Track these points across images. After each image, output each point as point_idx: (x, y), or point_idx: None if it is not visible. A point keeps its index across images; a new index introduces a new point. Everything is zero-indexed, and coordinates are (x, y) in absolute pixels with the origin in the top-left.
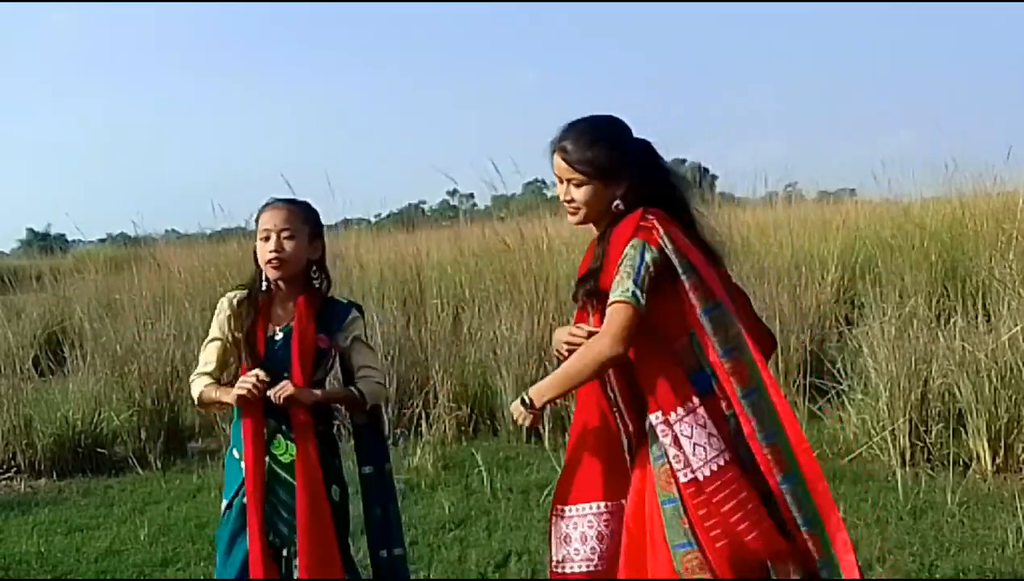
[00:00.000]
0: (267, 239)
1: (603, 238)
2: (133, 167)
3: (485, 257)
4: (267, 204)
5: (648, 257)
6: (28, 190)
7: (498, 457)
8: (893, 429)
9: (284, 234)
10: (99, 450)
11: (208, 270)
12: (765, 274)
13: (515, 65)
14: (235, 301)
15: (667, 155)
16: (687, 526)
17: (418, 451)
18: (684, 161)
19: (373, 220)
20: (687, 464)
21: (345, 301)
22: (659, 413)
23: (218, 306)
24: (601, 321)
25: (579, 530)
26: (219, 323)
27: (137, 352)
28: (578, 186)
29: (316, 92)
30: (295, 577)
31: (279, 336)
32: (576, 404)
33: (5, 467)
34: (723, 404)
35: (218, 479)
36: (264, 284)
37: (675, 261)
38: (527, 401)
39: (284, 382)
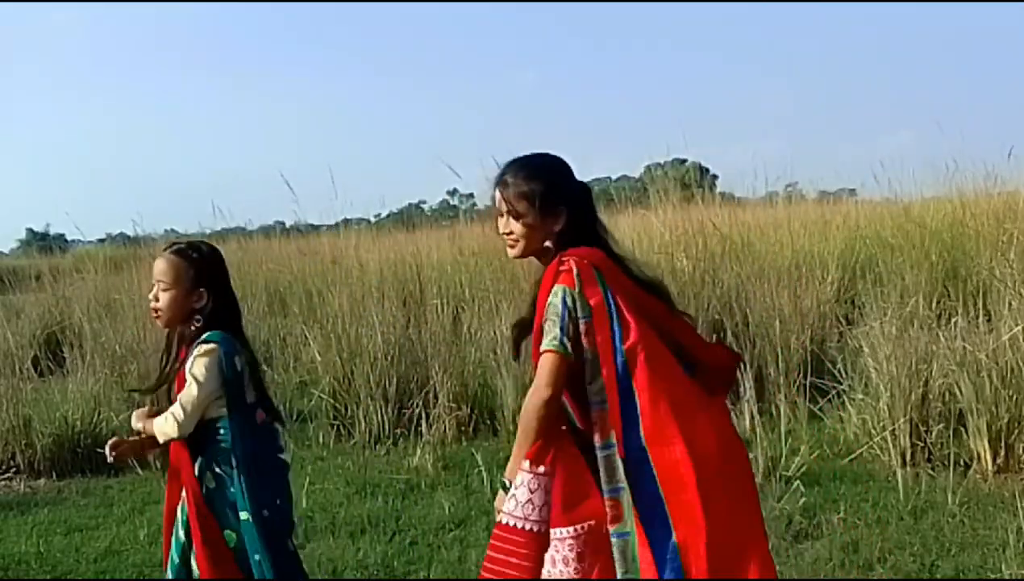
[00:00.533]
0: (152, 290)
1: (537, 281)
2: (133, 167)
3: (485, 257)
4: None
5: (568, 301)
6: (28, 190)
7: (498, 457)
8: (894, 429)
9: (161, 286)
10: (98, 450)
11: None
12: (765, 274)
13: (515, 65)
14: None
15: (668, 155)
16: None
17: (418, 451)
18: (684, 161)
19: (373, 220)
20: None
21: (209, 335)
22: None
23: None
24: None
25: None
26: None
27: (136, 352)
28: (516, 218)
29: (316, 92)
30: None
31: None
32: None
33: (4, 467)
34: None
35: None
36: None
37: (577, 304)
38: (506, 484)
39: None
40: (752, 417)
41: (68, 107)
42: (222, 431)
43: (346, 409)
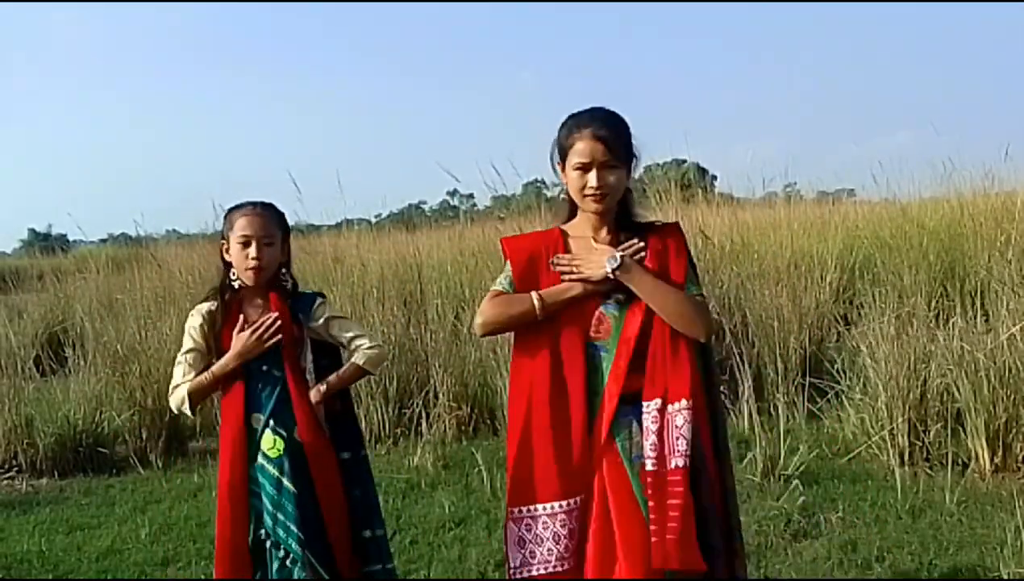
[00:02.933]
0: (246, 245)
1: (633, 231)
2: (134, 167)
3: (485, 257)
4: (241, 207)
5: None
6: (30, 190)
7: (498, 456)
8: (892, 429)
9: (264, 242)
10: (100, 449)
11: (209, 270)
12: (764, 274)
13: (513, 65)
14: (205, 311)
15: (667, 155)
16: None
17: (418, 450)
18: (683, 161)
19: (373, 220)
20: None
21: (309, 292)
22: (684, 400)
23: (189, 319)
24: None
25: (535, 531)
26: (192, 334)
27: (138, 352)
28: (611, 169)
29: (317, 93)
30: (278, 570)
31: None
32: (513, 401)
33: (6, 466)
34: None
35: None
36: (236, 284)
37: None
38: (624, 262)
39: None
40: (751, 416)
41: (69, 108)
42: None
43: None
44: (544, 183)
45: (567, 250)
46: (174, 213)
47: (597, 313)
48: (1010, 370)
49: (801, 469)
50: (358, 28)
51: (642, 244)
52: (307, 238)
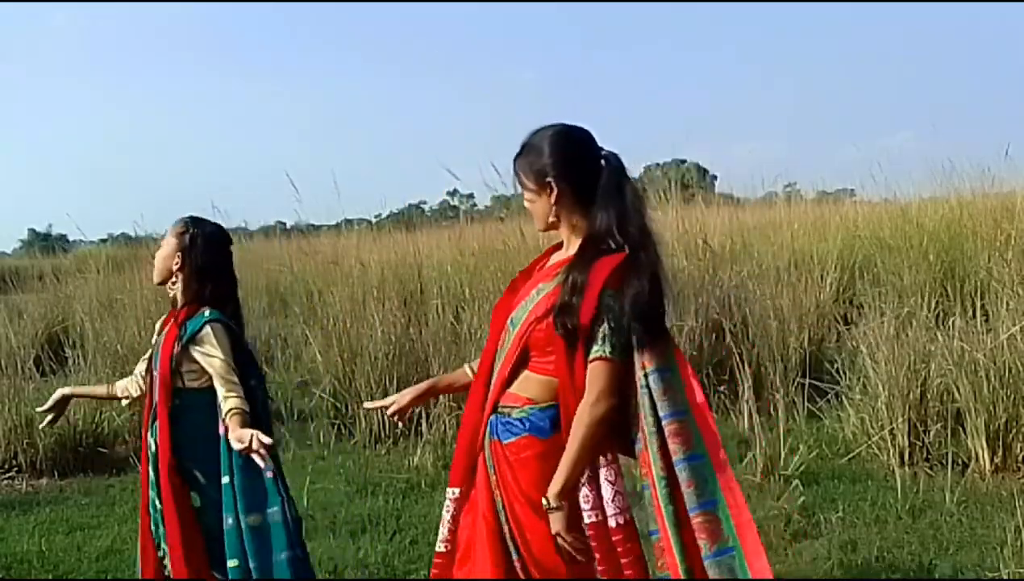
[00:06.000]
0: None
1: (580, 257)
2: (134, 167)
3: (485, 257)
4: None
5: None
6: (30, 190)
7: None
8: (892, 429)
9: (163, 254)
10: (100, 450)
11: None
12: (764, 274)
13: (514, 65)
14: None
15: (668, 155)
16: None
17: (418, 451)
18: (684, 161)
19: (373, 220)
20: (598, 507)
21: (208, 315)
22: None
23: None
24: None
25: (443, 513)
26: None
27: (138, 351)
28: (526, 196)
29: (316, 92)
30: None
31: (155, 339)
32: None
33: (7, 466)
34: (643, 470)
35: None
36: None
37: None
38: (555, 504)
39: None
40: (751, 416)
41: (70, 108)
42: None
43: (347, 408)
44: None
45: (545, 258)
46: (174, 213)
47: (503, 325)
48: (1010, 370)
49: (801, 469)
50: (359, 28)
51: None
52: (307, 238)
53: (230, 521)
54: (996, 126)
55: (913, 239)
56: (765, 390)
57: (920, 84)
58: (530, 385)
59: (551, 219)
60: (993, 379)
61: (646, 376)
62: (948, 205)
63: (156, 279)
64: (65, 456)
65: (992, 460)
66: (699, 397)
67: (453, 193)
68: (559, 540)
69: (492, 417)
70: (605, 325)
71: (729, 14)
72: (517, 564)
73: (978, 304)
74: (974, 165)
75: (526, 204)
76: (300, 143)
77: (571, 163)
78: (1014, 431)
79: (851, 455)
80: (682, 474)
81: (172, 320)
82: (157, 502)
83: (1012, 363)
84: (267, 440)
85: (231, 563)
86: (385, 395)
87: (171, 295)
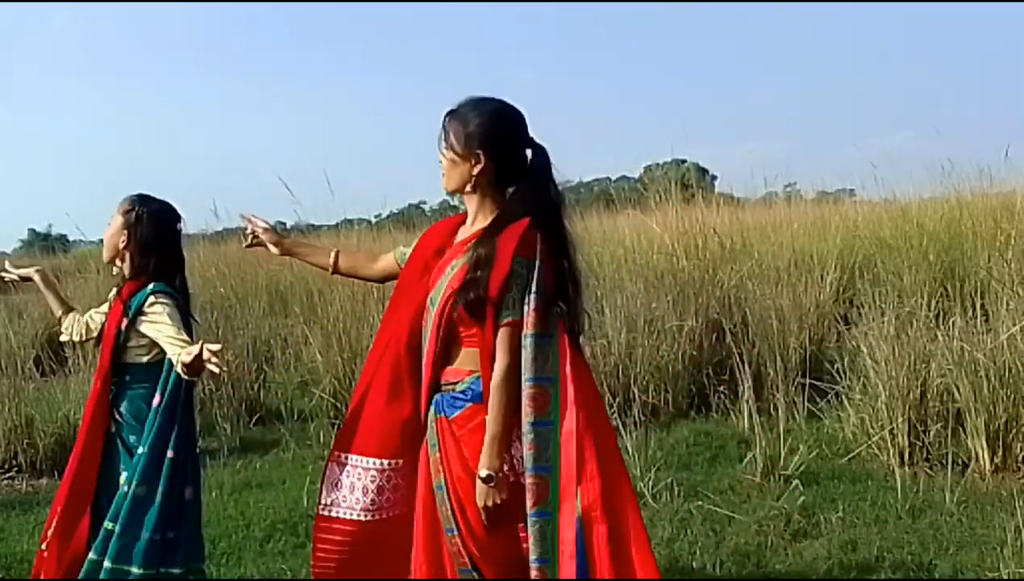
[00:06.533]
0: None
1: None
2: (133, 167)
3: None
4: None
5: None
6: (30, 190)
7: None
8: (892, 429)
9: (113, 229)
10: None
11: (208, 270)
12: (764, 274)
13: (514, 65)
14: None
15: (668, 155)
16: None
17: None
18: (684, 161)
19: (373, 220)
20: (512, 468)
21: (152, 286)
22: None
23: None
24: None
25: (350, 480)
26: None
27: None
28: (444, 153)
29: (316, 92)
30: None
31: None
32: (367, 362)
33: (6, 466)
34: None
35: (217, 478)
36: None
37: (536, 281)
38: (491, 476)
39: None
40: (751, 416)
41: (69, 108)
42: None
43: (347, 408)
44: None
45: (453, 233)
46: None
47: (426, 303)
48: (1010, 370)
49: (801, 469)
50: (359, 28)
51: None
52: (306, 238)
53: (125, 488)
54: (996, 126)
55: (913, 239)
56: (765, 390)
57: (920, 84)
58: (466, 358)
59: (467, 188)
60: (993, 379)
61: (524, 337)
62: (948, 205)
63: (105, 257)
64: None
65: (992, 460)
66: (568, 368)
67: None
68: (488, 508)
69: (437, 396)
70: (514, 291)
71: (729, 13)
72: (457, 540)
73: (978, 304)
74: (974, 165)
75: (442, 162)
76: (300, 143)
77: (502, 142)
78: (1014, 431)
79: (851, 455)
80: (527, 437)
81: (117, 297)
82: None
83: (1012, 363)
84: (215, 347)
85: (108, 524)
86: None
87: (115, 273)
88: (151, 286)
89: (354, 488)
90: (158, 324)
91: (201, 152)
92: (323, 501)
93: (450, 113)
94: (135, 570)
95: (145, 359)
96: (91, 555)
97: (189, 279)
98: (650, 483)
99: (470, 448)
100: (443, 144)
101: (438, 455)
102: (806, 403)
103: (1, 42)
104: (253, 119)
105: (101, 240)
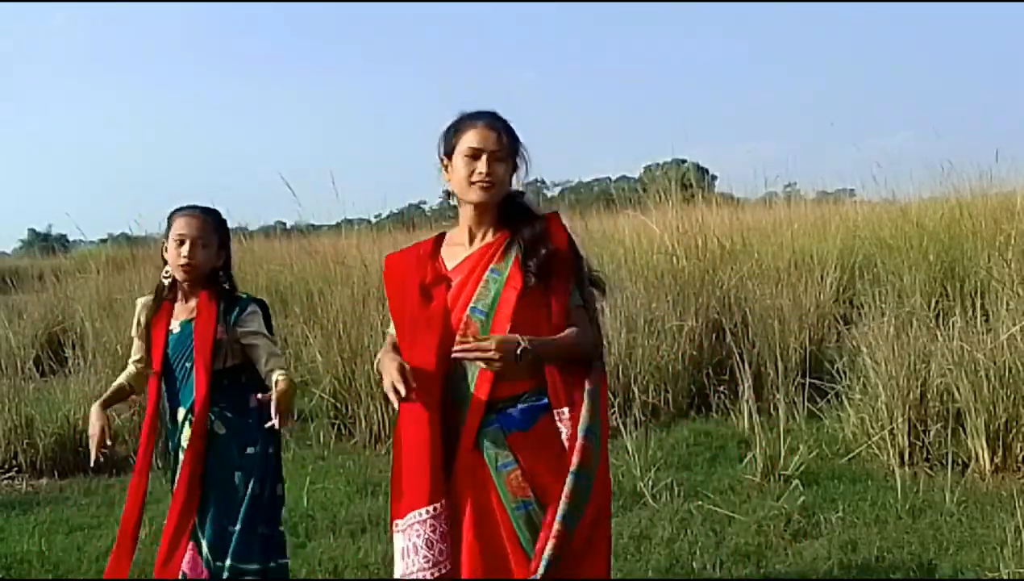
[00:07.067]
0: (181, 244)
1: (515, 227)
2: (133, 167)
3: None
4: (183, 210)
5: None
6: (30, 190)
7: None
8: (892, 429)
9: (199, 242)
10: (101, 450)
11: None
12: (764, 274)
13: (516, 65)
14: (142, 304)
15: (668, 155)
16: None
17: None
18: (684, 161)
19: (373, 220)
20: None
21: (245, 296)
22: (566, 409)
23: (136, 306)
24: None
25: (412, 541)
26: (136, 322)
27: None
28: (501, 161)
29: (316, 92)
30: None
31: (176, 330)
32: (400, 415)
33: (7, 466)
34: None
35: None
36: (168, 282)
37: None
38: (527, 351)
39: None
40: (751, 416)
41: (69, 108)
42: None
43: (347, 408)
44: (544, 182)
45: (432, 259)
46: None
47: (464, 317)
48: (1010, 370)
49: (801, 469)
50: (359, 29)
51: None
52: (307, 238)
53: (242, 488)
54: (996, 127)
55: (913, 239)
56: (765, 390)
57: (920, 85)
58: (520, 370)
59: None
60: (993, 379)
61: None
62: (948, 205)
63: (196, 274)
64: (65, 456)
65: (992, 460)
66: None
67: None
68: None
69: (497, 415)
70: (574, 279)
71: (729, 14)
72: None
73: (978, 304)
74: (974, 165)
75: (498, 165)
76: (300, 143)
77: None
78: (1014, 431)
79: (851, 455)
80: (567, 485)
81: (200, 306)
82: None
83: (1012, 363)
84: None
85: (229, 527)
86: (385, 396)
87: (182, 282)
88: (245, 296)
89: (419, 548)
90: (257, 335)
91: (201, 152)
92: (398, 572)
93: (495, 117)
94: (253, 566)
95: (234, 363)
96: (209, 557)
97: None
98: (650, 483)
99: (550, 456)
100: (506, 148)
101: (519, 472)
102: (806, 403)
103: (2, 41)
104: (253, 120)
105: (102, 240)
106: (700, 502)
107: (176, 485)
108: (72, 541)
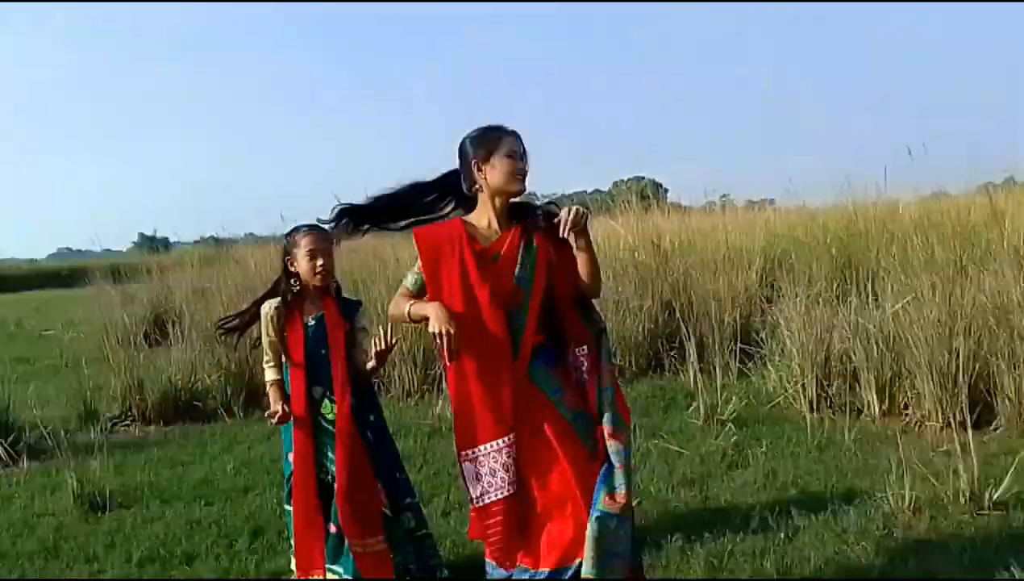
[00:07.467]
0: (313, 257)
1: (519, 217)
2: (221, 180)
3: None
4: (302, 229)
5: None
6: (140, 203)
7: None
8: (803, 383)
9: (327, 254)
10: (195, 403)
11: (277, 265)
12: (705, 265)
13: (508, 99)
14: (273, 309)
15: (630, 173)
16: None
17: (439, 403)
18: (642, 178)
19: (404, 224)
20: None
21: (352, 299)
22: (584, 347)
23: (263, 313)
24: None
25: (488, 466)
26: (265, 325)
27: None
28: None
29: (352, 122)
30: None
31: (312, 322)
32: (450, 368)
33: (123, 417)
34: None
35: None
36: (297, 287)
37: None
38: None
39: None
40: (695, 375)
41: (177, 141)
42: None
43: (385, 370)
44: (535, 194)
45: (470, 239)
46: (249, 220)
47: (512, 287)
48: (894, 338)
49: (734, 415)
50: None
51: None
52: (354, 239)
53: (390, 445)
54: (883, 149)
55: (819, 237)
56: (706, 354)
57: (824, 116)
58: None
59: None
60: (881, 345)
61: (605, 390)
62: (846, 211)
63: (327, 280)
64: (168, 408)
65: (880, 407)
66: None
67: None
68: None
69: (540, 355)
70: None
71: (679, 63)
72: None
73: (869, 287)
74: (866, 180)
75: (526, 169)
76: (343, 167)
77: None
78: (897, 384)
79: (772, 404)
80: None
81: (326, 306)
82: (333, 455)
83: (895, 332)
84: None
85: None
86: (414, 361)
87: (304, 288)
88: (353, 298)
89: (495, 472)
90: (365, 330)
91: (270, 172)
92: (474, 495)
93: (515, 133)
94: (416, 500)
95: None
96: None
97: (261, 271)
98: None
99: (579, 380)
100: (526, 155)
101: (568, 393)
102: (737, 364)
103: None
104: (310, 145)
105: (195, 242)
106: (656, 441)
107: (338, 451)
108: (174, 473)
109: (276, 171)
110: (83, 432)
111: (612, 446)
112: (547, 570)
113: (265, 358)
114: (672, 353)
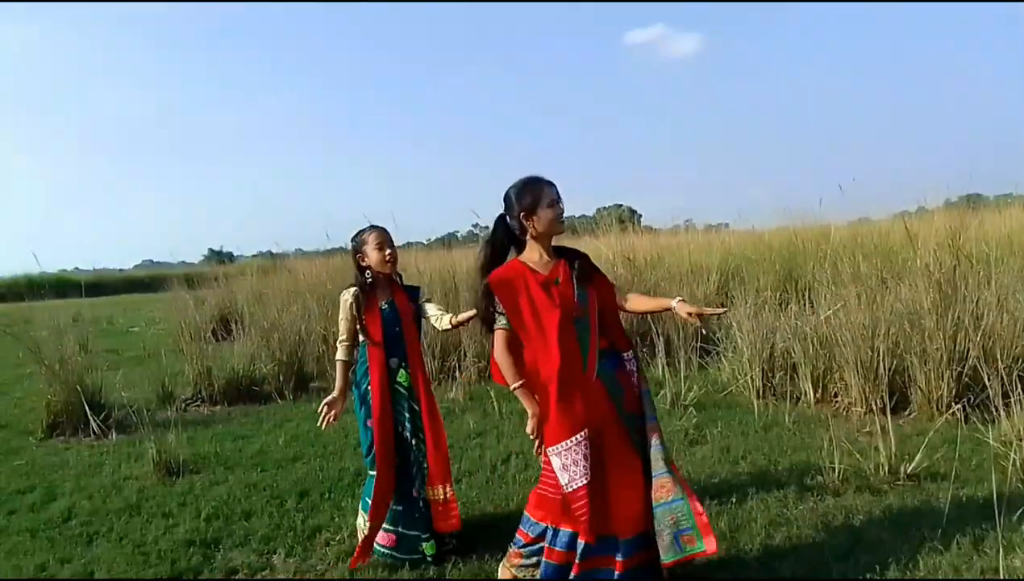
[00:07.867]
0: (382, 248)
1: (571, 255)
2: (276, 204)
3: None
4: (373, 227)
5: None
6: (209, 225)
7: (505, 392)
8: (751, 375)
9: (393, 244)
10: (254, 388)
11: (321, 275)
12: (672, 277)
13: (512, 141)
14: (352, 294)
15: (611, 201)
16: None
17: (454, 388)
18: (621, 205)
19: (425, 242)
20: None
21: (412, 285)
22: (630, 352)
23: (343, 299)
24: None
25: (572, 458)
26: (346, 307)
27: (277, 326)
28: None
29: (391, 158)
30: (411, 449)
31: (385, 306)
32: (533, 378)
33: (195, 398)
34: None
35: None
36: (370, 278)
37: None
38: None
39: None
40: (663, 367)
41: (236, 168)
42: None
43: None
44: None
45: (532, 272)
46: (299, 237)
47: (575, 302)
48: (826, 338)
49: (695, 401)
50: (441, 122)
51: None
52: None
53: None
54: (819, 183)
55: (765, 255)
56: (672, 350)
57: (770, 152)
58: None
59: None
60: (816, 344)
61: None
62: (788, 233)
63: (395, 269)
64: (231, 391)
65: (815, 395)
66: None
67: (476, 225)
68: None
69: (606, 360)
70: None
71: (649, 108)
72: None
73: (806, 296)
74: (804, 208)
75: (563, 210)
76: (376, 193)
77: None
78: (829, 377)
79: (726, 392)
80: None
81: (395, 291)
82: (409, 414)
83: (827, 334)
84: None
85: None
86: (433, 353)
87: (378, 277)
88: (415, 286)
89: (577, 462)
90: (429, 310)
91: (315, 195)
92: (564, 482)
93: (552, 183)
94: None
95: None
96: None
97: (309, 280)
98: None
99: (633, 384)
100: (561, 199)
101: (626, 395)
102: (698, 359)
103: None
104: (348, 174)
105: (254, 255)
106: None
107: (423, 406)
108: (236, 445)
109: (320, 195)
110: (161, 411)
111: (655, 441)
112: (626, 538)
113: (341, 337)
114: (644, 350)
